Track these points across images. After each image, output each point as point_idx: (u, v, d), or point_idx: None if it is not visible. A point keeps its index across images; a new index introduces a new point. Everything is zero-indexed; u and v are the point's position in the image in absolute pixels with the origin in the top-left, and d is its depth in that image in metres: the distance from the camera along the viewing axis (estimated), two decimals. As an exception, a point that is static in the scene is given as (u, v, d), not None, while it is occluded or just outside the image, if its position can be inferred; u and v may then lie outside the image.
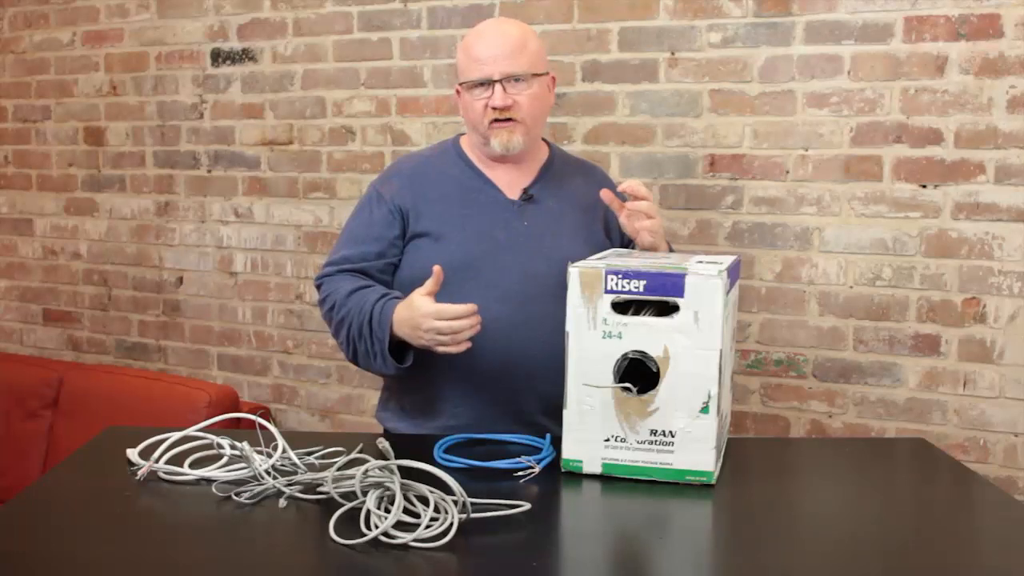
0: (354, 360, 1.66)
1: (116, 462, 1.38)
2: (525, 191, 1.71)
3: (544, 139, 1.80)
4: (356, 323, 1.60)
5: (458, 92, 1.72)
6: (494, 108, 1.63)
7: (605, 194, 1.65)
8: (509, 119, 1.64)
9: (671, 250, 1.75)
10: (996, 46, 2.05)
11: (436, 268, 1.51)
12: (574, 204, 1.74)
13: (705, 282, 1.28)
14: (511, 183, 1.72)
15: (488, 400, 1.63)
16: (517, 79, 1.64)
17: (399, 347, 1.58)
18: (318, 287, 1.71)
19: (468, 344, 1.50)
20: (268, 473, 1.28)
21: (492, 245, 1.65)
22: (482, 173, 1.72)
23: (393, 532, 1.10)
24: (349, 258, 1.68)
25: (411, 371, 1.67)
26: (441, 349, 1.50)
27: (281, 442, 1.35)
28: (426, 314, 1.48)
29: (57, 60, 3.09)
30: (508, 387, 1.63)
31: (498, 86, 1.63)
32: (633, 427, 1.32)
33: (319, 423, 2.83)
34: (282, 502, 1.23)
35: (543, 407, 1.61)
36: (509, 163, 1.72)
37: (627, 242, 1.78)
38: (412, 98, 2.62)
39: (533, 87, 1.66)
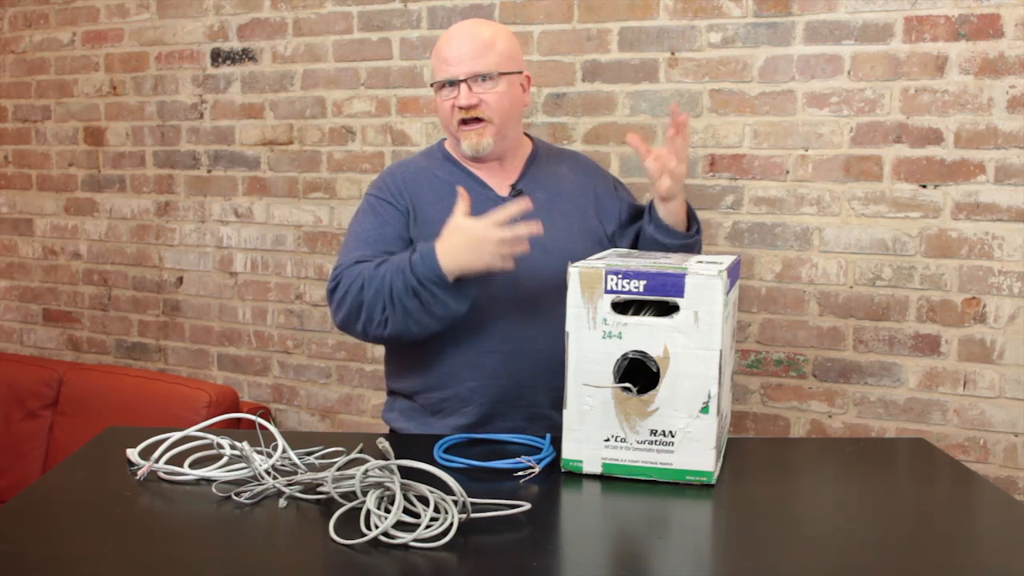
0: (403, 329, 1.56)
1: (116, 462, 1.38)
2: (513, 187, 1.72)
3: (527, 134, 1.81)
4: (399, 282, 1.53)
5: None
6: (460, 107, 1.64)
7: (632, 138, 1.64)
8: (477, 119, 1.65)
9: (690, 208, 1.73)
10: (996, 46, 2.05)
11: (461, 189, 1.52)
12: (563, 193, 1.74)
13: (705, 282, 1.28)
14: (499, 180, 1.73)
15: (497, 396, 1.64)
16: (484, 78, 1.64)
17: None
18: (334, 289, 1.62)
19: (526, 246, 1.50)
20: (268, 473, 1.28)
21: None
22: (471, 172, 1.73)
23: (393, 532, 1.10)
24: (365, 259, 1.62)
25: (419, 371, 1.68)
26: (509, 261, 1.50)
27: (281, 442, 1.35)
28: (487, 226, 1.48)
29: (57, 60, 3.09)
30: (517, 382, 1.64)
31: (463, 86, 1.63)
32: (633, 427, 1.32)
33: (319, 423, 2.83)
34: (282, 502, 1.23)
35: (552, 400, 1.61)
36: (493, 161, 1.73)
37: (624, 223, 1.77)
38: (412, 98, 2.62)
39: (500, 85, 1.65)
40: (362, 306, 1.57)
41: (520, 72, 1.70)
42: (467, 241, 1.49)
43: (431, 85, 1.71)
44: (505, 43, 1.68)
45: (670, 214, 1.67)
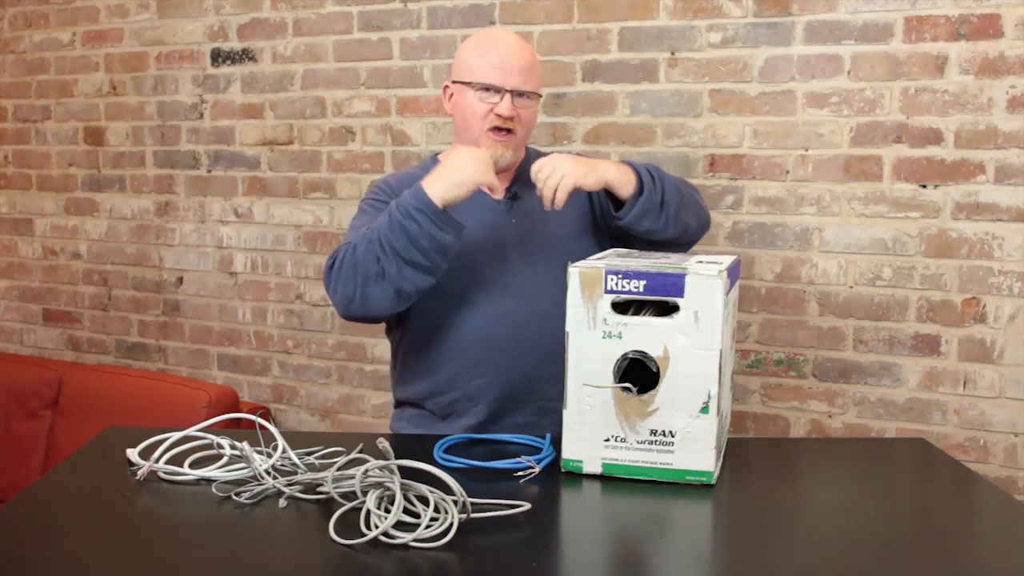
0: (398, 277, 1.49)
1: (116, 462, 1.38)
2: (509, 190, 1.73)
3: None
4: (385, 224, 1.49)
5: (446, 88, 1.73)
6: (499, 115, 1.65)
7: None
8: (508, 131, 1.67)
9: (635, 167, 1.62)
10: (996, 46, 2.05)
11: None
12: None
13: (705, 282, 1.28)
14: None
15: (505, 392, 1.65)
16: (522, 94, 1.67)
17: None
18: (331, 265, 1.56)
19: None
20: (268, 473, 1.28)
21: (489, 244, 1.67)
22: None
23: (393, 532, 1.10)
24: None
25: (426, 376, 1.68)
26: (486, 174, 1.51)
27: (281, 442, 1.35)
28: (468, 145, 1.55)
29: (57, 60, 3.09)
30: (524, 376, 1.64)
31: (508, 95, 1.65)
32: (633, 427, 1.32)
33: (319, 423, 2.83)
34: (282, 502, 1.23)
35: (561, 393, 1.61)
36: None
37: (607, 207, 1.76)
38: (412, 98, 2.62)
39: (533, 106, 1.70)
40: (357, 266, 1.51)
41: (540, 94, 1.74)
42: (450, 160, 1.53)
43: (463, 83, 1.68)
44: (539, 65, 1.72)
45: (614, 189, 1.60)
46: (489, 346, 1.65)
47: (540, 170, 1.58)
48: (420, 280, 1.52)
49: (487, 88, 1.65)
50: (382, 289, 1.51)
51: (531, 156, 1.82)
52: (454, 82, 1.71)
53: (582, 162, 1.58)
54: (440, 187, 1.49)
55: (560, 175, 1.55)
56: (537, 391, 1.65)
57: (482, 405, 1.65)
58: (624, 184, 1.60)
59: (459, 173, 1.50)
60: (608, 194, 1.64)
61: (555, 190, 1.55)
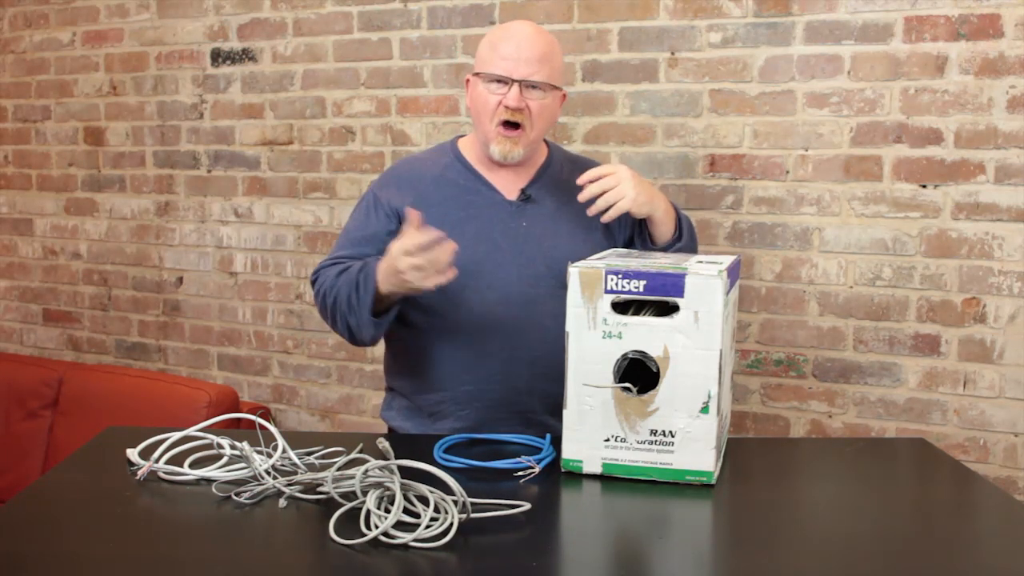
0: (351, 339, 1.64)
1: (116, 462, 1.38)
2: (523, 192, 1.71)
3: (544, 139, 1.81)
4: (344, 295, 1.59)
5: (468, 81, 1.73)
6: (507, 107, 1.64)
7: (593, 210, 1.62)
8: (518, 125, 1.65)
9: (678, 214, 1.71)
10: (996, 46, 2.05)
11: (412, 212, 1.48)
12: (573, 203, 1.73)
13: (705, 282, 1.28)
14: (509, 184, 1.72)
15: (493, 401, 1.64)
16: (534, 86, 1.65)
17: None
18: (312, 283, 1.69)
19: (452, 272, 1.47)
20: (268, 473, 1.28)
21: (491, 247, 1.66)
22: (480, 175, 1.72)
23: (393, 532, 1.10)
24: (344, 258, 1.66)
25: (416, 372, 1.69)
26: (430, 282, 1.47)
27: (281, 442, 1.35)
28: (395, 254, 1.47)
29: (57, 60, 3.09)
30: (512, 388, 1.64)
31: (516, 86, 1.63)
32: (633, 427, 1.32)
33: (319, 423, 2.83)
34: (282, 502, 1.23)
35: (547, 407, 1.61)
36: (506, 166, 1.72)
37: (632, 236, 1.77)
38: (412, 98, 2.62)
39: (547, 99, 1.67)
40: (325, 311, 1.65)
41: (561, 90, 1.72)
42: (387, 267, 1.51)
43: (476, 74, 1.69)
44: (559, 58, 1.71)
45: (654, 226, 1.68)
46: (480, 355, 1.64)
47: (604, 178, 1.60)
48: (385, 327, 1.64)
49: (497, 80, 1.65)
50: (361, 337, 1.63)
51: (554, 156, 1.80)
52: (473, 75, 1.71)
53: (643, 189, 1.62)
54: (384, 286, 1.54)
55: (619, 197, 1.59)
56: (524, 403, 1.64)
57: (468, 411, 1.65)
58: (665, 224, 1.67)
59: (397, 284, 1.51)
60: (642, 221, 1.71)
61: (608, 206, 1.59)
